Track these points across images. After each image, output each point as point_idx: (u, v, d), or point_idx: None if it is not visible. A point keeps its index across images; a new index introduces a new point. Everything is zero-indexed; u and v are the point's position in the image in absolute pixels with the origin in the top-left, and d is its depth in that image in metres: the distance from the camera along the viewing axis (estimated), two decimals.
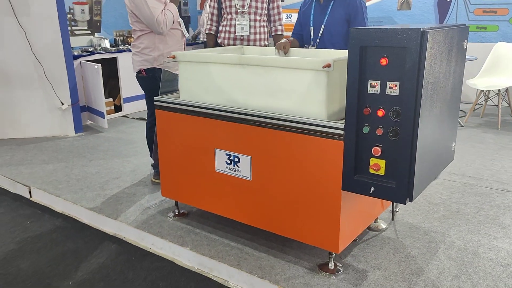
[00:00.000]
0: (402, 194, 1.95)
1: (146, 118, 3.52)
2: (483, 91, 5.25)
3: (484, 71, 5.28)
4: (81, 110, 5.33)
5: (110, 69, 5.88)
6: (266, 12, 3.48)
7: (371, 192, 2.02)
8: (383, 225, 2.79)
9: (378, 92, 1.93)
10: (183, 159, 2.74)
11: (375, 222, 2.79)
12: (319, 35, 3.00)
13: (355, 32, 1.91)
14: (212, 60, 2.48)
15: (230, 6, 3.41)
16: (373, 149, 1.98)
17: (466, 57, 4.94)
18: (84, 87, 5.48)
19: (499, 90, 5.02)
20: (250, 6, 3.38)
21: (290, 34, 3.24)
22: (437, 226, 2.79)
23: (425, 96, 1.86)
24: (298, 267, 2.37)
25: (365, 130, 1.99)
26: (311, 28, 3.04)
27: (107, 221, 3.00)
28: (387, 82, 1.89)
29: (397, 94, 1.88)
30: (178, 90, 2.83)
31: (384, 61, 1.87)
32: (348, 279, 2.27)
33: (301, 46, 3.16)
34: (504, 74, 5.15)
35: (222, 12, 3.49)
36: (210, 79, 2.52)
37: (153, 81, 3.14)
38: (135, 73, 3.27)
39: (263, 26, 3.49)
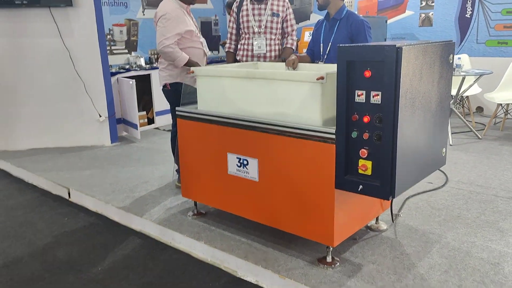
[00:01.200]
0: (386, 192, 2.18)
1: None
2: (501, 104, 5.32)
3: (502, 85, 5.36)
4: (117, 122, 5.80)
5: (144, 85, 6.35)
6: (280, 31, 3.79)
7: (359, 190, 2.25)
8: (384, 226, 2.98)
9: (364, 101, 2.18)
10: (200, 162, 3.06)
11: (376, 223, 2.99)
12: (327, 51, 3.28)
13: (343, 49, 2.18)
14: (224, 74, 2.81)
15: (248, 27, 3.75)
16: (360, 151, 2.22)
17: (482, 71, 5.08)
18: (120, 101, 5.96)
19: None
20: (266, 27, 3.70)
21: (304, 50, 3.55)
22: (436, 229, 2.96)
23: (403, 104, 2.10)
24: (300, 260, 2.62)
25: (354, 134, 2.24)
26: (321, 44, 3.33)
27: (133, 219, 3.35)
28: (371, 91, 2.15)
29: (380, 102, 2.13)
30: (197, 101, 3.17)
31: (367, 74, 2.13)
32: (343, 271, 2.49)
33: (313, 61, 3.44)
34: None
35: (240, 32, 3.84)
36: (223, 91, 2.84)
37: (176, 93, 3.49)
38: (161, 87, 3.64)
39: (277, 44, 3.80)
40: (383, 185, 2.18)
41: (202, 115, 2.95)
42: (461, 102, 6.09)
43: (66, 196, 4.01)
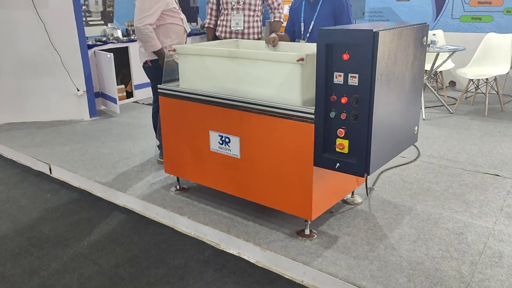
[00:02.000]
0: (361, 169, 2.32)
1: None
2: (472, 80, 5.52)
3: (474, 60, 5.54)
4: (95, 96, 5.76)
5: (122, 58, 6.28)
6: (260, 8, 3.81)
7: (336, 167, 2.38)
8: (359, 200, 3.15)
9: (342, 83, 2.27)
10: (183, 139, 3.13)
11: (351, 197, 3.15)
12: (310, 30, 3.34)
13: (322, 32, 2.25)
14: (206, 53, 2.85)
15: (227, 3, 3.76)
16: (338, 130, 2.33)
17: (455, 47, 5.23)
18: (98, 74, 5.89)
19: (487, 79, 5.28)
20: (244, 3, 3.72)
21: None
22: (407, 201, 3.14)
23: (379, 86, 2.20)
24: (280, 233, 2.76)
25: (332, 114, 2.34)
26: (302, 24, 3.38)
27: (117, 194, 3.42)
28: (349, 74, 2.24)
29: (357, 84, 2.23)
30: (179, 78, 3.21)
31: (345, 57, 2.22)
32: (320, 243, 2.64)
33: (293, 41, 3.50)
34: (493, 63, 5.41)
35: (220, 8, 3.84)
36: (205, 70, 2.89)
37: (158, 70, 3.51)
38: (142, 64, 3.65)
39: (257, 21, 3.83)
40: (358, 163, 2.31)
41: (184, 93, 3.00)
42: (434, 77, 6.26)
43: (48, 172, 4.03)
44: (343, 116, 2.31)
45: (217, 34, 3.88)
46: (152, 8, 3.34)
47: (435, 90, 6.16)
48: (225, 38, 3.81)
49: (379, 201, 3.16)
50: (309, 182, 2.53)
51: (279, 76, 2.54)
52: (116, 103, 5.59)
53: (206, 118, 2.93)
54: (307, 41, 3.38)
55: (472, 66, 5.54)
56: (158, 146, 3.96)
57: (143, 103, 6.28)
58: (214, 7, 3.90)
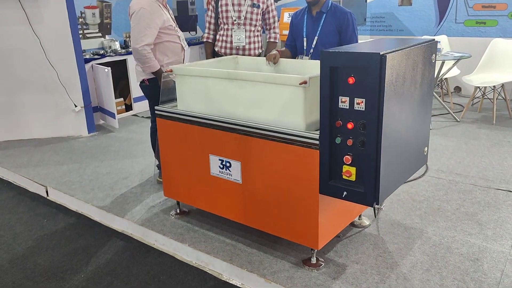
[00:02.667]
0: (370, 198, 2.18)
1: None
2: (479, 87, 5.37)
3: (480, 67, 5.40)
4: (94, 111, 5.65)
5: (120, 70, 6.18)
6: (260, 22, 3.69)
7: (343, 196, 2.25)
8: (366, 222, 3.02)
9: (348, 107, 2.15)
10: (182, 162, 3.01)
11: (359, 219, 3.02)
12: (313, 46, 3.21)
13: (326, 54, 2.12)
14: (205, 74, 2.73)
15: (227, 17, 3.63)
16: (344, 157, 2.20)
17: (461, 54, 5.09)
18: (96, 88, 5.78)
19: (494, 86, 5.14)
20: (245, 18, 3.60)
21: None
22: (417, 223, 3.00)
23: (387, 111, 2.07)
24: (285, 262, 2.63)
25: (338, 140, 2.21)
26: (305, 39, 3.25)
27: (115, 219, 3.30)
28: (355, 98, 2.11)
29: (363, 109, 2.10)
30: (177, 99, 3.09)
31: (351, 80, 2.09)
32: (328, 272, 2.51)
33: (294, 56, 3.37)
34: (499, 70, 5.27)
35: (219, 22, 3.72)
36: (203, 91, 2.76)
37: (155, 89, 3.38)
38: (139, 82, 3.53)
39: (257, 36, 3.70)
40: (367, 192, 2.18)
41: (183, 116, 2.88)
42: (439, 83, 6.12)
43: (44, 195, 3.91)
44: (350, 142, 2.18)
45: (217, 49, 3.76)
46: (148, 28, 3.22)
47: (440, 96, 6.02)
48: (225, 54, 3.69)
49: (388, 222, 3.02)
50: (315, 210, 2.40)
51: (281, 99, 2.41)
52: (114, 118, 5.47)
53: (206, 142, 2.81)
54: (311, 57, 3.25)
55: (478, 73, 5.40)
56: (157, 166, 3.83)
57: (142, 116, 6.17)
58: (213, 20, 3.78)
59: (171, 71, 2.87)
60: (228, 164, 2.73)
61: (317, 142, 2.28)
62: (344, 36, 3.15)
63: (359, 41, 3.13)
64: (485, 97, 5.67)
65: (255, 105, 2.54)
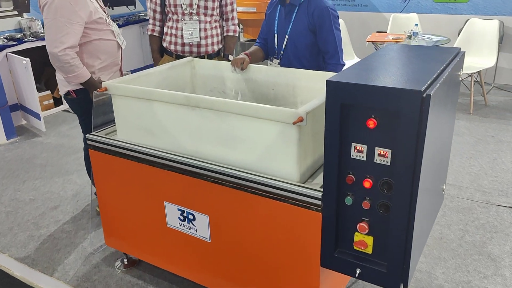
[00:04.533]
0: (395, 279, 1.60)
1: None
2: None
3: None
4: (13, 109, 4.67)
5: (45, 56, 5.13)
6: (218, 11, 2.93)
7: (357, 274, 1.65)
8: None
9: (365, 159, 1.52)
10: (127, 207, 2.28)
11: None
12: (283, 46, 2.51)
13: (334, 86, 1.46)
14: (153, 97, 1.98)
15: (175, 5, 2.83)
16: (359, 224, 1.59)
17: (438, 37, 4.59)
18: (14, 82, 4.76)
19: (471, 73, 4.72)
20: (199, 6, 2.81)
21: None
22: (422, 263, 2.50)
23: (424, 166, 1.47)
24: None
25: (348, 201, 1.59)
26: (276, 35, 2.55)
27: (41, 278, 2.53)
28: (376, 148, 1.48)
29: (388, 163, 1.48)
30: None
31: (371, 124, 1.45)
32: None
33: (266, 56, 2.67)
34: (477, 53, 4.84)
35: (166, 11, 2.92)
36: (152, 119, 2.02)
37: (86, 102, 2.59)
38: (63, 95, 2.69)
39: (216, 27, 2.95)
40: (391, 271, 1.59)
41: (125, 150, 2.13)
42: None
43: None
44: (366, 205, 1.56)
45: (165, 45, 2.96)
46: (70, 24, 2.37)
47: None
48: (175, 51, 2.91)
49: None
50: (314, 285, 1.80)
51: (266, 138, 1.74)
52: (40, 119, 4.53)
53: (158, 185, 2.09)
54: (281, 60, 2.56)
55: None
56: (95, 193, 3.05)
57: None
58: (158, 8, 2.95)
59: (105, 89, 2.09)
60: (191, 217, 2.04)
61: (319, 202, 1.65)
62: (319, 36, 2.45)
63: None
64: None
65: (228, 143, 1.85)
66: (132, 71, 6.26)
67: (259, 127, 1.73)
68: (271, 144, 1.73)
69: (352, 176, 1.56)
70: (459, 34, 5.47)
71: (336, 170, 1.57)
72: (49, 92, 5.30)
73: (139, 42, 6.30)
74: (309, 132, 1.72)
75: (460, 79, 1.91)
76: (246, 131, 1.77)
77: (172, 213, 2.10)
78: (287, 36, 2.48)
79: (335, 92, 1.46)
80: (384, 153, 1.47)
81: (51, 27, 2.37)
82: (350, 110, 1.47)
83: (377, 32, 5.56)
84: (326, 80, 1.48)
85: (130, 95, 2.04)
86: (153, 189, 2.12)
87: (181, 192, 2.02)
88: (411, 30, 4.54)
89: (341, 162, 1.56)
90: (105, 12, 2.62)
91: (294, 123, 1.60)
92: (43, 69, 5.25)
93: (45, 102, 5.17)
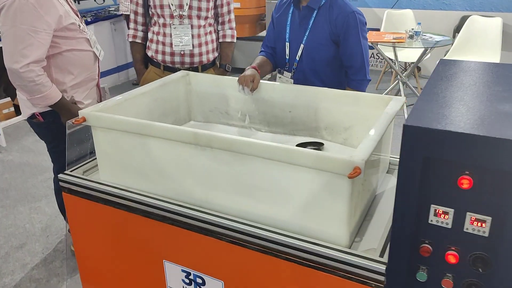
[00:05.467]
0: None
1: None
2: None
3: (455, 48, 4.65)
4: None
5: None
6: (212, 13, 2.48)
7: None
8: None
9: (450, 226, 1.13)
10: (112, 262, 1.83)
11: None
12: (297, 58, 2.09)
13: (414, 134, 1.06)
14: (149, 133, 1.53)
15: (162, 6, 2.35)
16: None
17: (441, 38, 4.29)
18: None
19: None
20: (191, 7, 2.35)
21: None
22: None
23: None
24: None
25: (421, 276, 1.20)
26: (287, 44, 2.12)
27: None
28: (468, 213, 1.10)
29: (486, 234, 1.10)
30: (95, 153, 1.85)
31: (466, 183, 1.06)
32: None
33: (275, 67, 2.25)
34: (478, 52, 4.57)
35: (150, 13, 2.44)
36: (147, 159, 1.58)
37: (56, 127, 2.11)
38: (26, 118, 2.18)
39: (211, 33, 2.49)
40: None
41: (110, 196, 1.67)
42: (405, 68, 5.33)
43: None
44: (448, 284, 1.18)
45: (150, 54, 2.49)
46: (34, 33, 1.87)
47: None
48: (163, 62, 2.44)
49: None
50: None
51: (303, 189, 1.33)
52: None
53: (156, 242, 1.65)
54: (294, 75, 2.14)
55: (452, 56, 4.66)
56: (69, 231, 2.57)
57: None
58: (140, 9, 2.47)
59: (83, 120, 1.62)
60: (199, 281, 1.62)
61: (382, 278, 1.25)
62: (343, 49, 2.04)
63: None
64: None
65: (249, 193, 1.43)
66: (104, 73, 5.72)
67: (295, 176, 1.32)
68: (310, 197, 1.33)
69: (428, 246, 1.17)
70: (454, 31, 5.21)
71: (408, 238, 1.18)
72: (8, 99, 4.69)
73: (111, 41, 5.74)
74: (361, 180, 1.33)
75: None
76: (275, 180, 1.36)
77: (174, 275, 1.66)
78: (302, 46, 2.06)
79: (416, 142, 1.07)
80: (480, 221, 1.09)
81: (9, 37, 1.87)
82: (435, 165, 1.08)
83: (369, 29, 5.21)
84: (404, 125, 1.08)
85: (117, 128, 1.59)
86: (147, 245, 1.68)
87: (186, 250, 1.59)
88: (412, 29, 4.20)
89: (415, 228, 1.17)
90: (78, 16, 2.12)
91: (350, 177, 1.19)
92: (2, 74, 4.64)
93: (5, 111, 4.58)
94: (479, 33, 4.56)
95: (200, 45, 2.42)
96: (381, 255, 1.30)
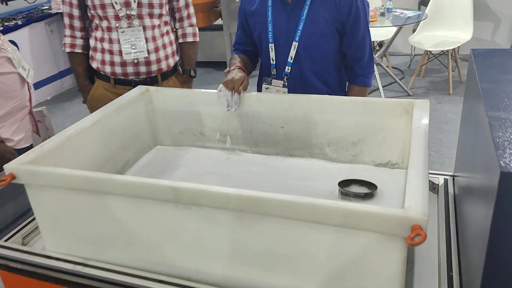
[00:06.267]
0: None
1: None
2: (428, 50, 4.40)
3: (424, 23, 4.39)
4: None
5: None
6: (167, 8, 2.02)
7: None
8: None
9: None
10: None
11: None
12: (290, 60, 1.69)
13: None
14: (109, 190, 1.10)
15: (103, 6, 1.87)
16: None
17: (413, 13, 4.01)
18: None
19: (447, 50, 4.21)
20: (140, 4, 1.88)
21: None
22: None
23: None
24: None
25: None
26: (271, 46, 1.70)
27: None
28: None
29: None
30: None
31: None
32: None
33: (254, 67, 1.84)
34: (450, 27, 4.32)
35: (90, 15, 1.95)
36: (109, 222, 1.15)
37: None
38: None
39: (168, 33, 2.03)
40: None
41: (64, 274, 1.23)
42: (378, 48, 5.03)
43: None
44: None
45: (95, 66, 2.00)
46: None
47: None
48: (113, 74, 1.97)
49: None
50: None
51: (336, 256, 0.96)
52: None
53: None
54: (288, 82, 1.73)
55: (422, 31, 4.41)
56: None
57: None
58: (76, 11, 1.96)
59: (12, 178, 1.16)
60: None
61: None
62: (350, 37, 1.63)
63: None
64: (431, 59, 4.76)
65: (257, 261, 1.04)
66: (44, 81, 5.08)
67: (325, 239, 0.94)
68: (345, 265, 0.96)
69: None
70: (419, 3, 4.95)
71: None
72: None
73: (48, 44, 5.08)
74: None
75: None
76: (295, 244, 0.98)
77: None
78: (295, 44, 1.65)
79: None
80: None
81: None
82: None
83: None
84: (501, 172, 0.72)
85: (62, 185, 1.15)
86: None
87: None
88: (382, 5, 3.89)
89: None
90: None
91: (411, 243, 0.83)
92: None
93: None
94: (449, 5, 4.31)
95: (156, 49, 1.96)
96: None
